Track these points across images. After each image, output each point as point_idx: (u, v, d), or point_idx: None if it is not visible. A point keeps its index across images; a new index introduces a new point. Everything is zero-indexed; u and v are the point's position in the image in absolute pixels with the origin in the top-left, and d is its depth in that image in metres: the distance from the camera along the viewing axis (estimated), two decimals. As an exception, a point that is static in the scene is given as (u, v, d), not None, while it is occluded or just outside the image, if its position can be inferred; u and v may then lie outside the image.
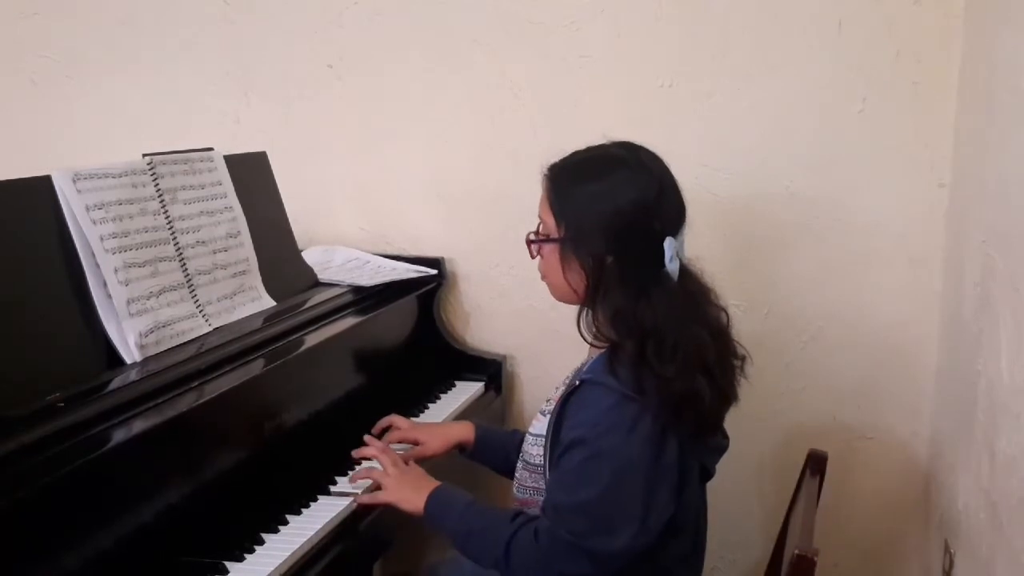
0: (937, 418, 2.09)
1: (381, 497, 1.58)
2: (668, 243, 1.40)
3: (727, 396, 1.47)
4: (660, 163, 1.47)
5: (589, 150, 1.49)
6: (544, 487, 1.48)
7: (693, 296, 1.45)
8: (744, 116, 2.13)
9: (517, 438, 1.67)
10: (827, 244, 2.14)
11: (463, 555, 1.52)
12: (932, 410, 2.12)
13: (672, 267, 1.40)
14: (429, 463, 1.74)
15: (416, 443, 1.78)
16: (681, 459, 1.40)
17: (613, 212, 1.40)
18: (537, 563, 1.39)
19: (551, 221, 1.46)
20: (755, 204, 2.15)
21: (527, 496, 1.54)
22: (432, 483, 1.56)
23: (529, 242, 1.50)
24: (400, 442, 1.78)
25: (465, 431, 1.79)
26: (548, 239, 1.47)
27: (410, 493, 1.55)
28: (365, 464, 1.69)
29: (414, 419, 1.92)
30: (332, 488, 1.64)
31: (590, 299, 1.43)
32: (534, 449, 1.52)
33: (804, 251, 2.16)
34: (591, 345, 1.47)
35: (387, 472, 1.60)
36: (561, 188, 1.46)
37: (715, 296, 1.50)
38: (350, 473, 1.67)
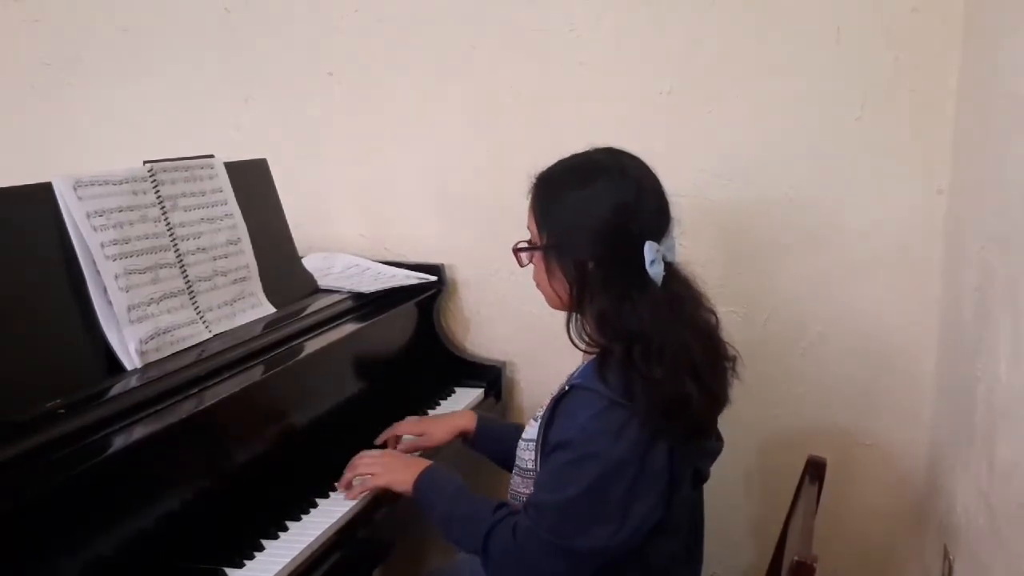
0: (936, 423, 2.09)
1: (371, 482, 1.61)
2: (648, 247, 1.40)
3: (718, 398, 1.47)
4: (641, 167, 1.48)
5: (571, 158, 1.51)
6: None
7: (680, 299, 1.45)
8: (743, 123, 2.13)
9: (519, 432, 1.68)
10: (826, 250, 2.14)
11: (446, 539, 1.54)
12: (931, 415, 2.12)
13: (654, 271, 1.40)
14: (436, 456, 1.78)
15: (421, 435, 1.82)
16: (671, 463, 1.40)
17: (592, 218, 1.41)
18: (513, 558, 1.41)
19: (535, 230, 1.49)
20: (754, 210, 2.16)
21: (519, 501, 1.54)
22: (421, 463, 1.59)
23: (515, 251, 1.52)
24: (406, 434, 1.83)
25: (467, 420, 1.83)
26: (532, 247, 1.50)
27: (400, 474, 1.58)
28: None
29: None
30: (332, 494, 1.64)
31: (576, 305, 1.44)
32: (526, 454, 1.52)
33: (803, 257, 2.16)
34: (583, 352, 1.48)
35: (372, 462, 1.63)
36: (542, 197, 1.48)
37: (705, 299, 1.50)
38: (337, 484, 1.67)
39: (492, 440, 1.80)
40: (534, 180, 1.50)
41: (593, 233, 1.41)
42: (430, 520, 1.55)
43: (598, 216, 1.41)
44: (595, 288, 1.41)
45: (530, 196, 1.50)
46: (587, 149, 1.51)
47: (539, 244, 1.47)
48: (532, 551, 1.39)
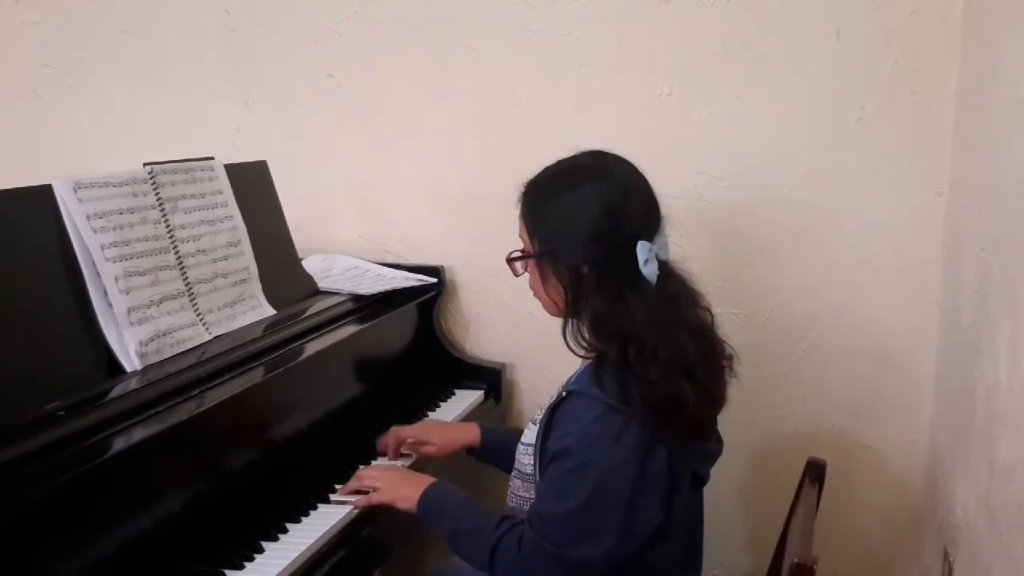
0: (936, 425, 2.09)
1: (376, 498, 1.60)
2: (641, 247, 1.40)
3: (715, 398, 1.46)
4: (627, 168, 1.48)
5: (557, 164, 1.50)
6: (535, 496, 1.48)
7: (674, 298, 1.45)
8: (743, 125, 2.13)
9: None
10: (826, 252, 2.14)
11: (455, 553, 1.54)
12: (931, 417, 2.12)
13: (648, 270, 1.40)
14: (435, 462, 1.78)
15: (424, 442, 1.81)
16: (670, 467, 1.40)
17: (581, 222, 1.41)
18: (520, 571, 1.41)
19: (527, 238, 1.49)
20: (754, 212, 2.16)
21: (519, 504, 1.54)
22: (425, 480, 1.58)
23: (509, 261, 1.52)
24: (409, 437, 1.82)
25: (471, 434, 1.81)
26: (524, 255, 1.49)
27: (404, 491, 1.57)
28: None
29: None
30: (332, 496, 1.64)
31: (572, 310, 1.44)
32: (525, 458, 1.52)
33: (803, 259, 2.16)
34: (581, 356, 1.47)
35: (377, 477, 1.62)
36: (531, 205, 1.48)
37: (700, 297, 1.50)
38: (338, 488, 1.67)
39: (497, 451, 1.78)
40: (523, 189, 1.50)
41: (584, 236, 1.41)
42: (437, 536, 1.55)
43: (588, 219, 1.41)
44: (589, 291, 1.41)
45: (520, 205, 1.50)
46: (573, 153, 1.51)
47: (532, 252, 1.47)
48: (538, 563, 1.39)
